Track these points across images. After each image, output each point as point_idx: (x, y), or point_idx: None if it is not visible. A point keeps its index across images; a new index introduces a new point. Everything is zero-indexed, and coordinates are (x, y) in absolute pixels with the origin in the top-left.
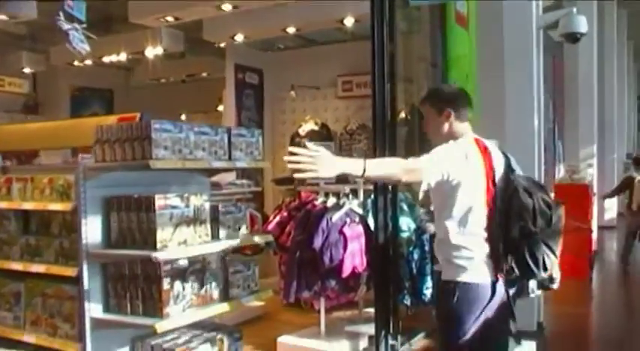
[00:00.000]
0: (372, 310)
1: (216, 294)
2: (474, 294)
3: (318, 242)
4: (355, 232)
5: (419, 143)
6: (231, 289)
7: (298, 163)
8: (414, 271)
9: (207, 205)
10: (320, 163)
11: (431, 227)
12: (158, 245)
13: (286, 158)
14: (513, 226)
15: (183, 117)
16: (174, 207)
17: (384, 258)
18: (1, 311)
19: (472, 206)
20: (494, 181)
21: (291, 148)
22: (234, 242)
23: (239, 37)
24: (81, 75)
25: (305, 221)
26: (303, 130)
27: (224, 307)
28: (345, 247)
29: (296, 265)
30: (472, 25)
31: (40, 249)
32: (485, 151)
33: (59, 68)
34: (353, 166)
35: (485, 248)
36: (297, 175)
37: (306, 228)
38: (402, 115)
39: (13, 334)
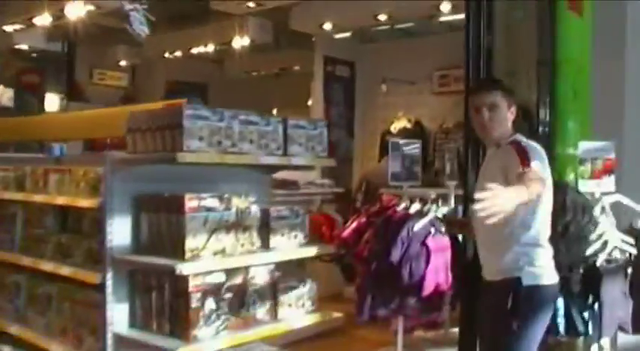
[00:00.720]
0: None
1: (261, 314)
2: (554, 295)
3: (396, 255)
4: (440, 244)
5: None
6: (280, 309)
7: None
8: None
9: (254, 209)
10: (503, 198)
11: None
12: (187, 254)
13: (476, 207)
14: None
15: (274, 112)
16: (209, 209)
17: (473, 276)
18: (34, 315)
19: (549, 207)
20: None
21: (477, 195)
22: (287, 253)
23: (327, 26)
24: (175, 68)
25: (383, 229)
26: (394, 127)
27: (270, 331)
28: (427, 262)
29: (372, 279)
30: (587, 10)
31: (71, 249)
32: None
33: (155, 61)
34: (520, 192)
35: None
36: (490, 221)
37: (384, 237)
38: None
39: (42, 343)
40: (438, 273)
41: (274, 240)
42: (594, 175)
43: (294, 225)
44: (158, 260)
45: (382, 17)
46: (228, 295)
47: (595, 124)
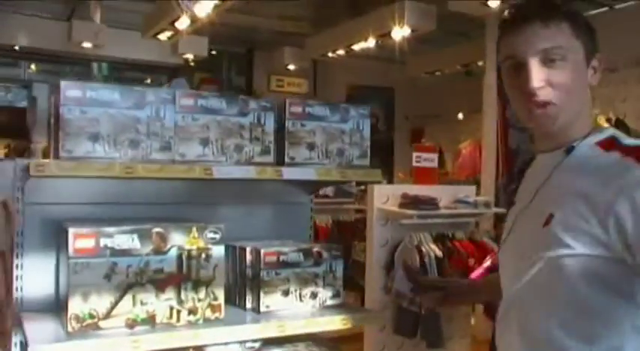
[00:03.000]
0: None
1: None
2: None
3: None
4: None
5: None
6: None
7: None
8: None
9: (217, 251)
10: None
11: None
12: (71, 326)
13: None
14: None
15: (460, 116)
16: (120, 253)
17: None
18: None
19: None
20: None
21: None
22: (285, 326)
23: (493, 3)
24: (356, 71)
25: None
26: None
27: None
28: None
29: None
30: None
31: None
32: None
33: (335, 65)
34: None
35: None
36: None
37: None
38: None
39: None
40: None
41: (269, 301)
42: None
43: (310, 277)
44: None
45: None
46: None
47: None
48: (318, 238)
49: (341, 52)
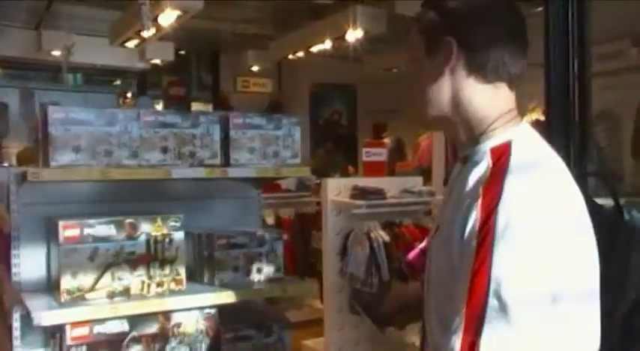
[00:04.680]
0: None
1: None
2: None
3: None
4: None
5: None
6: None
7: None
8: None
9: (177, 236)
10: None
11: None
12: (63, 297)
13: None
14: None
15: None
16: (100, 239)
17: None
18: None
19: None
20: None
21: None
22: (234, 294)
23: None
24: (318, 70)
25: None
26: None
27: None
28: None
29: None
30: None
31: None
32: None
33: (299, 65)
34: None
35: None
36: None
37: None
38: None
39: None
40: None
41: (222, 276)
42: None
43: (255, 255)
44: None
45: None
46: (137, 348)
47: None
48: (282, 229)
49: (301, 54)
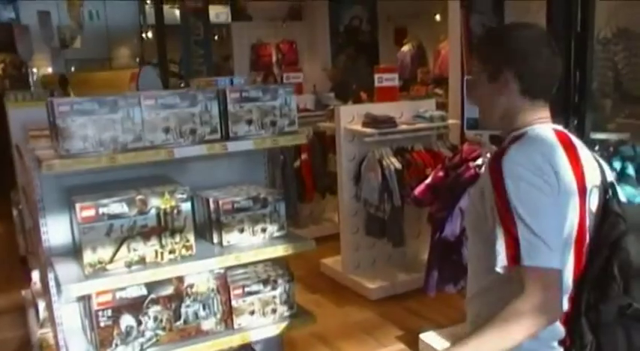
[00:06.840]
0: None
1: (208, 325)
2: None
3: (449, 229)
4: None
5: None
6: (237, 318)
7: None
8: None
9: (185, 207)
10: None
11: None
12: (87, 270)
13: None
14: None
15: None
16: (114, 216)
17: None
18: None
19: None
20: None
21: None
22: (243, 255)
23: None
24: None
25: (450, 190)
26: None
27: (223, 342)
28: None
29: (436, 251)
30: None
31: None
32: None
33: None
34: None
35: None
36: None
37: (445, 203)
38: None
39: None
40: None
41: (229, 238)
42: None
43: (259, 217)
44: (58, 273)
45: None
46: (155, 309)
47: None
48: (300, 149)
49: None
